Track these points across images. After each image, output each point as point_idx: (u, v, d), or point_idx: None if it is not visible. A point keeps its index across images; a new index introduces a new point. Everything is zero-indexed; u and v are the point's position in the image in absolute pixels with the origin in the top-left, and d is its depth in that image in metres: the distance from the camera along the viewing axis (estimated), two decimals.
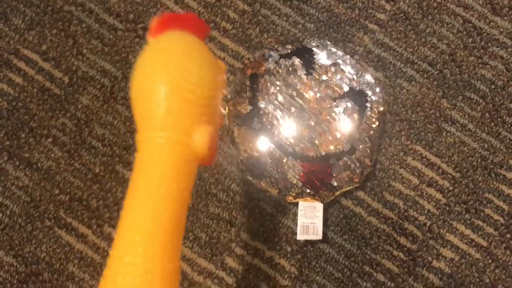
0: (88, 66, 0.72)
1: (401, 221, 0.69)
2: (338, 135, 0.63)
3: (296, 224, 0.67)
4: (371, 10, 0.74)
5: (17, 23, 0.73)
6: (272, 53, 0.66)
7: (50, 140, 0.70)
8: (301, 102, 0.64)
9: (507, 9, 0.74)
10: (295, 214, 0.67)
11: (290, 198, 0.64)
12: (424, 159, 0.70)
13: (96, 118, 0.71)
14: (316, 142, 0.63)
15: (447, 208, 0.69)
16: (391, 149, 0.70)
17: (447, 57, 0.73)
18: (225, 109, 0.68)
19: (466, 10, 0.74)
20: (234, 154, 0.67)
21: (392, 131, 0.71)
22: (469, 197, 0.69)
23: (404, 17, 0.74)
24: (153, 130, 0.41)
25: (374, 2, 0.74)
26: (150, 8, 0.74)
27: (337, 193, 0.65)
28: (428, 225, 0.68)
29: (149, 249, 0.39)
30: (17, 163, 0.69)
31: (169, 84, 0.40)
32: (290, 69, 0.65)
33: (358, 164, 0.64)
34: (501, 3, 0.74)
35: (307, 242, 0.67)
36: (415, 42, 0.73)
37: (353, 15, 0.74)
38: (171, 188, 0.40)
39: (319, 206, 0.64)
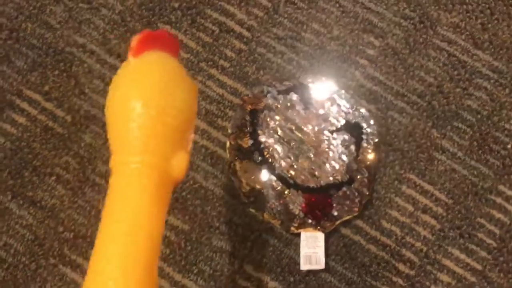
0: (90, 105, 0.74)
1: (398, 248, 0.71)
2: (337, 166, 0.65)
3: (298, 254, 0.69)
4: (361, 47, 0.78)
5: (19, 65, 0.75)
6: (270, 89, 0.69)
7: (53, 178, 0.71)
8: (300, 135, 0.66)
9: (487, 43, 0.79)
10: (297, 245, 0.69)
11: (293, 229, 0.66)
12: (418, 187, 0.73)
13: (99, 156, 0.72)
14: (316, 173, 0.65)
15: (442, 234, 0.72)
16: (386, 178, 0.73)
17: (435, 89, 0.77)
18: (226, 143, 0.70)
19: (450, 45, 0.79)
20: (236, 186, 0.69)
21: (386, 161, 0.74)
22: (462, 222, 0.72)
23: (392, 52, 0.78)
24: (133, 154, 0.39)
25: (364, 38, 0.78)
26: None
27: (338, 222, 0.67)
28: (424, 251, 0.71)
29: (128, 277, 0.38)
30: (21, 202, 0.70)
31: (155, 109, 0.39)
32: (289, 104, 0.68)
33: (357, 194, 0.66)
34: (482, 37, 0.79)
35: (309, 271, 0.69)
36: (404, 75, 0.77)
37: (344, 52, 0.78)
38: (150, 215, 0.39)
39: (320, 236, 0.66)
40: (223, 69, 0.76)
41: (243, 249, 0.70)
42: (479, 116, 0.76)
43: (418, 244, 0.71)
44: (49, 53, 0.76)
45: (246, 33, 0.78)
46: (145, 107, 0.39)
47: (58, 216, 0.70)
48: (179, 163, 0.40)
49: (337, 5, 0.79)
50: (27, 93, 0.74)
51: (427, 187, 0.73)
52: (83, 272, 0.68)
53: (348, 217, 0.68)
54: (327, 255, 0.69)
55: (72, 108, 0.74)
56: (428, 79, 0.77)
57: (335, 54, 0.78)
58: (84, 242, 0.69)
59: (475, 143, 0.75)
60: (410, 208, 0.72)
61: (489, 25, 0.79)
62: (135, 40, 0.42)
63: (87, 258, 0.69)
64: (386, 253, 0.70)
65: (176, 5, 0.78)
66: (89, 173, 0.72)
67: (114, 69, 0.75)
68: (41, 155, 0.72)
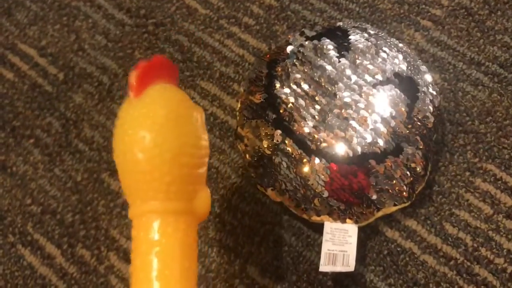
0: (87, 62, 0.63)
1: (469, 263, 0.49)
2: (380, 129, 0.47)
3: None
4: (423, 6, 0.61)
5: (19, 18, 0.66)
6: (297, 36, 0.54)
7: (31, 141, 0.59)
8: (330, 89, 0.50)
9: None
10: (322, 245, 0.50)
11: (314, 216, 0.48)
12: (499, 182, 0.52)
13: (87, 119, 0.59)
14: (348, 136, 0.47)
15: None
16: (453, 168, 0.53)
17: None
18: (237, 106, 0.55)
19: None
20: (242, 156, 0.52)
21: (453, 145, 0.54)
22: None
23: (465, 13, 0.60)
24: (154, 204, 0.36)
25: None
26: (164, 3, 0.65)
27: (378, 213, 0.48)
28: (509, 271, 0.49)
29: None
30: None
31: (170, 152, 0.36)
32: (319, 52, 0.52)
33: (406, 172, 0.47)
34: None
35: (336, 281, 0.49)
36: (481, 40, 0.59)
37: (402, 11, 0.61)
38: (183, 269, 0.35)
39: (352, 229, 0.47)
40: (247, 27, 0.62)
41: (248, 246, 0.52)
42: None
43: (499, 260, 0.49)
44: (53, 7, 0.66)
45: None
46: (161, 152, 0.36)
47: (28, 186, 0.57)
48: (202, 201, 0.38)
49: None
50: (21, 47, 0.64)
51: None
52: (43, 256, 0.53)
53: (393, 208, 0.48)
54: (364, 264, 0.50)
55: (67, 65, 0.63)
56: None
57: (390, 13, 0.61)
58: (52, 219, 0.55)
59: None
60: (488, 209, 0.51)
61: None
62: (134, 77, 0.37)
63: (52, 239, 0.55)
64: (450, 269, 0.49)
65: None
66: (73, 137, 0.59)
67: (120, 24, 0.64)
68: (23, 114, 0.60)
